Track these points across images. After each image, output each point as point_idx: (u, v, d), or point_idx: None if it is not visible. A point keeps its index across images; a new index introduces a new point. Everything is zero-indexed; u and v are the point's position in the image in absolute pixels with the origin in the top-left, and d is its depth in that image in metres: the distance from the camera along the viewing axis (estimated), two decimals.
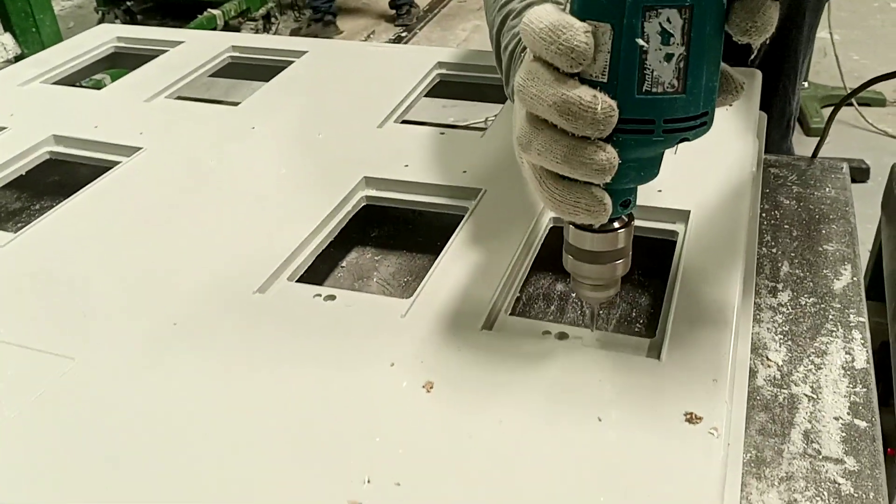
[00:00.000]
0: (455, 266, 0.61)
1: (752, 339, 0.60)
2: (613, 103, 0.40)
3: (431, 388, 0.50)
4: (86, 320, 0.57)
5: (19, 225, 0.82)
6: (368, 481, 0.44)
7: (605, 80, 0.41)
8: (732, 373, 0.49)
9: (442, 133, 0.81)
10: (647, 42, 0.39)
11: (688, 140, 0.43)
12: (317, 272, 0.67)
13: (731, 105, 0.44)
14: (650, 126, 0.41)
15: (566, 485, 0.43)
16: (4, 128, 0.85)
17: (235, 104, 0.89)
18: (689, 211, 0.65)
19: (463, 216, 0.68)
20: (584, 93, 0.40)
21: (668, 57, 0.40)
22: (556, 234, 0.68)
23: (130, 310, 0.58)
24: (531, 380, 0.50)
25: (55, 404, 0.51)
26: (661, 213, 0.66)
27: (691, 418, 0.46)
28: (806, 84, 2.87)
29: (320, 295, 0.59)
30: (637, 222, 0.65)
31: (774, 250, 0.71)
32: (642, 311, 0.66)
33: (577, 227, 0.47)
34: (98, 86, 1.00)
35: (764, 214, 0.76)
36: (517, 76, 0.43)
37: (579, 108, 0.40)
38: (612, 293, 0.50)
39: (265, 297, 0.59)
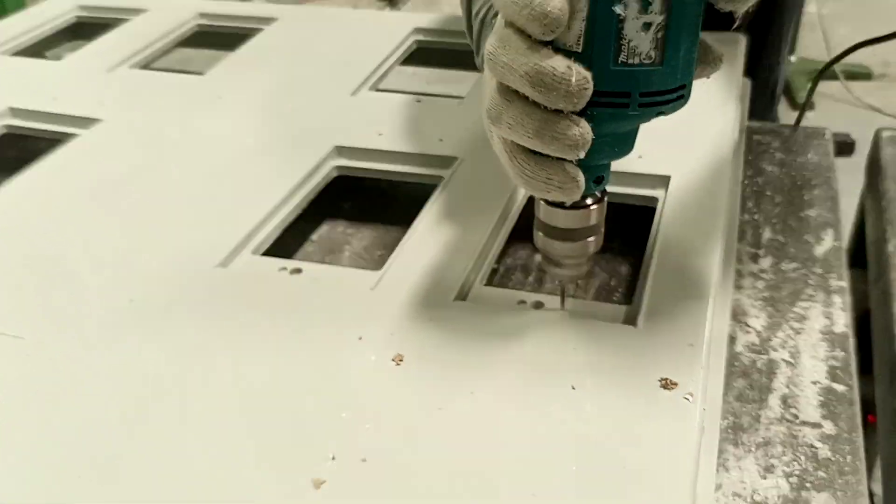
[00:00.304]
0: (429, 236, 0.59)
1: (732, 305, 0.59)
2: (588, 75, 0.38)
3: (401, 360, 0.48)
4: (38, 298, 0.55)
5: None
6: (333, 458, 0.42)
7: (579, 51, 0.39)
8: (710, 339, 0.48)
9: (418, 101, 0.79)
10: (625, 10, 0.37)
11: (664, 114, 0.41)
12: (285, 246, 0.65)
13: (708, 77, 0.43)
14: (626, 99, 0.40)
15: (539, 455, 0.42)
16: None
17: (201, 74, 0.86)
18: (670, 177, 0.63)
19: (438, 185, 0.66)
20: (558, 63, 0.38)
21: (647, 26, 0.38)
22: (533, 203, 0.66)
23: (85, 286, 0.56)
24: (505, 350, 0.49)
25: (3, 385, 0.48)
26: (641, 178, 0.64)
27: (666, 384, 0.45)
28: (793, 58, 2.86)
29: (286, 268, 0.58)
30: (616, 188, 0.64)
31: (756, 216, 0.70)
32: (621, 280, 0.65)
33: (549, 203, 0.46)
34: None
35: (746, 181, 0.74)
36: (487, 43, 0.40)
37: (552, 80, 0.38)
38: (583, 271, 0.49)
39: (227, 271, 0.57)
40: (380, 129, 0.74)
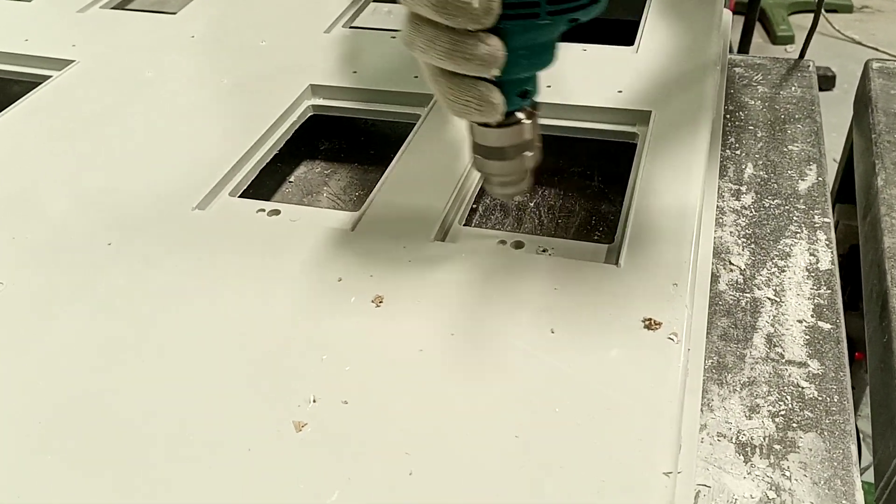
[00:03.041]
0: (406, 176, 0.58)
1: (714, 243, 0.59)
2: None
3: (381, 302, 0.47)
4: (15, 242, 0.54)
5: None
6: (314, 401, 0.42)
7: None
8: (693, 277, 0.47)
9: (393, 37, 0.77)
10: None
11: (579, 21, 0.40)
12: (263, 187, 0.64)
13: None
14: (535, 10, 0.38)
15: (521, 397, 0.41)
16: None
17: (174, 13, 0.84)
18: (651, 112, 0.62)
19: (414, 124, 0.65)
20: None
21: None
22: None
23: (62, 230, 0.55)
24: (485, 290, 0.48)
25: None
26: (621, 113, 0.63)
27: (650, 324, 0.44)
28: None
29: (264, 210, 0.56)
30: (594, 125, 0.63)
31: (738, 152, 0.69)
32: (602, 219, 0.64)
33: (480, 123, 0.44)
34: None
35: (728, 116, 0.73)
36: None
37: (456, 5, 0.37)
38: (523, 188, 0.48)
39: (205, 213, 0.56)
40: (354, 66, 0.72)
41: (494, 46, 0.39)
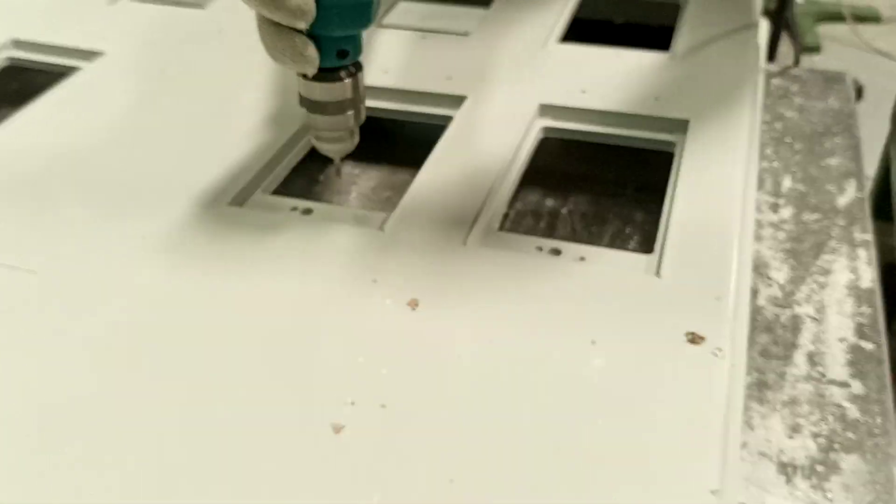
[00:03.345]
0: (438, 178, 0.57)
1: (753, 256, 0.57)
2: None
3: (416, 305, 0.47)
4: (48, 233, 0.53)
5: None
6: (352, 403, 0.41)
7: None
8: (736, 291, 0.46)
9: (423, 38, 0.77)
10: None
11: None
12: (293, 185, 0.63)
13: None
14: None
15: (561, 408, 0.40)
16: None
17: (202, 7, 0.83)
18: (689, 120, 0.61)
19: (446, 125, 0.64)
20: None
21: None
22: (547, 145, 0.64)
23: (95, 222, 0.54)
24: (522, 297, 0.47)
25: (16, 319, 0.47)
26: (659, 122, 0.62)
27: (694, 338, 0.43)
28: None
29: (297, 208, 0.56)
30: (630, 132, 0.62)
31: (775, 164, 0.68)
32: (636, 227, 0.63)
33: (305, 77, 0.48)
34: None
35: (764, 126, 0.72)
36: None
37: None
38: (349, 146, 0.51)
39: (241, 209, 0.55)
40: (385, 66, 0.71)
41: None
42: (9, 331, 0.46)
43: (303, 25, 0.44)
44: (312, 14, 0.43)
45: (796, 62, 0.82)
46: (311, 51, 0.45)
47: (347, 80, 0.48)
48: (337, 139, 0.51)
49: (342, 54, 0.46)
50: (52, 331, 0.46)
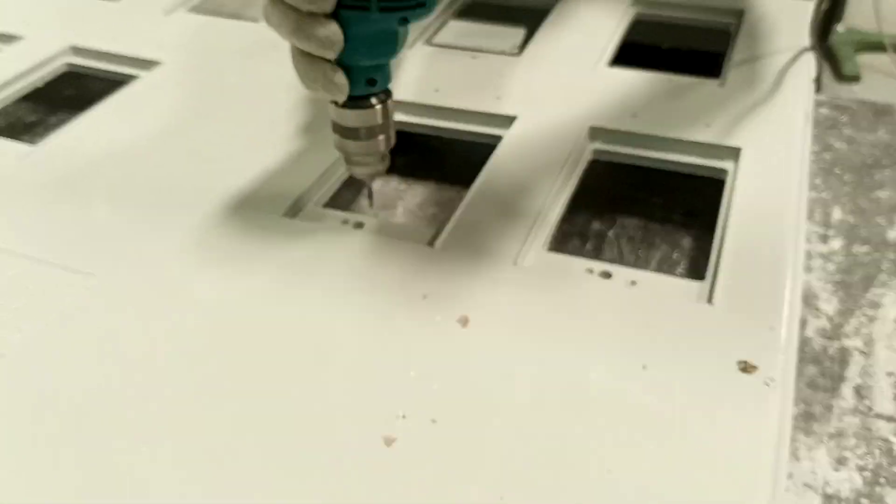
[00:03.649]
0: (489, 197, 0.58)
1: (802, 287, 0.57)
2: None
3: (467, 322, 0.47)
4: (106, 237, 0.55)
5: (36, 138, 0.78)
6: (404, 416, 0.41)
7: None
8: (788, 321, 0.46)
9: (474, 57, 0.77)
10: None
11: (408, 21, 0.45)
12: (341, 199, 0.64)
13: None
14: (367, 3, 0.44)
15: (612, 430, 0.41)
16: (20, 37, 0.81)
17: (256, 21, 0.85)
18: (741, 148, 0.61)
19: (495, 145, 0.64)
20: None
21: None
22: (596, 166, 0.64)
23: (151, 228, 0.55)
24: (573, 319, 0.47)
25: (76, 320, 0.48)
26: (710, 148, 0.62)
27: (746, 367, 0.43)
28: (841, 28, 2.79)
29: (348, 222, 0.56)
30: (680, 157, 0.62)
31: (825, 195, 0.67)
32: (684, 253, 0.63)
33: (337, 105, 0.49)
34: None
35: (813, 156, 0.72)
36: None
37: None
38: (380, 169, 0.53)
39: (293, 221, 0.56)
40: (436, 84, 0.72)
41: (331, 30, 0.44)
42: (68, 330, 0.47)
43: (332, 55, 0.45)
44: (340, 45, 0.45)
45: (818, 88, 0.81)
46: (341, 79, 0.47)
47: (378, 107, 0.49)
48: (368, 163, 0.52)
49: (371, 82, 0.48)
50: (108, 332, 0.47)
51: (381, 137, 0.51)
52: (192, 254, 0.53)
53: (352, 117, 0.50)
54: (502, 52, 0.81)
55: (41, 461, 0.40)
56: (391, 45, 0.47)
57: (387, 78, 0.49)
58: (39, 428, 0.42)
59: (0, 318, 0.49)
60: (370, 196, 0.56)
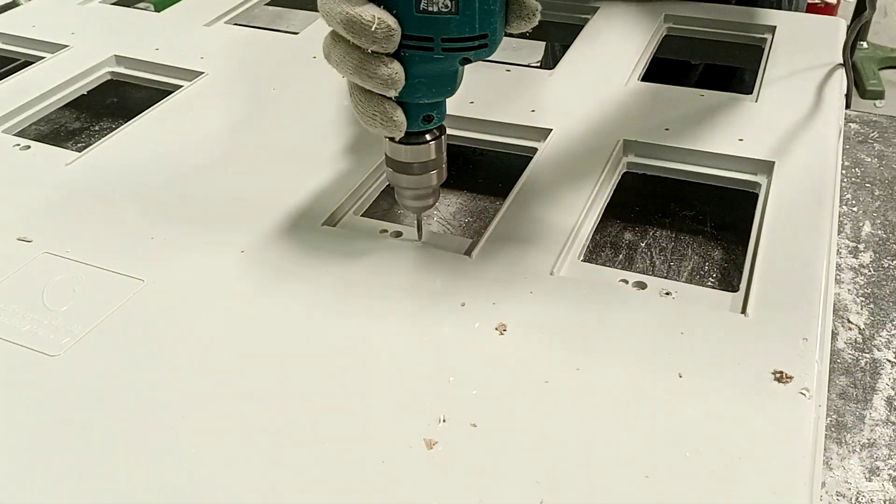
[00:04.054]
0: (524, 207, 0.59)
1: (833, 299, 0.58)
2: (392, 22, 0.43)
3: (505, 330, 0.48)
4: (153, 244, 0.56)
5: (80, 145, 0.81)
6: (444, 420, 0.43)
7: None
8: (822, 332, 0.47)
9: (508, 70, 0.78)
10: None
11: (470, 61, 0.46)
12: (378, 208, 0.65)
13: (529, 31, 0.46)
14: (430, 44, 0.44)
15: (649, 438, 0.42)
16: (66, 46, 0.83)
17: (296, 33, 0.86)
18: (774, 162, 0.62)
19: (531, 157, 0.65)
20: (366, 11, 0.43)
21: None
22: (629, 178, 0.65)
23: (197, 234, 0.57)
24: (609, 328, 0.48)
25: (126, 324, 0.50)
26: (743, 162, 0.63)
27: (781, 377, 0.44)
28: (864, 44, 2.79)
29: (387, 231, 0.58)
30: (715, 171, 0.63)
31: (856, 209, 0.68)
32: (715, 265, 0.64)
33: (392, 140, 0.50)
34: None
35: (844, 171, 0.73)
36: None
37: (361, 27, 0.43)
38: (431, 202, 0.54)
39: (333, 229, 0.57)
40: (471, 97, 0.73)
41: (394, 70, 0.44)
42: (116, 334, 0.49)
43: (393, 94, 0.46)
44: (402, 84, 0.45)
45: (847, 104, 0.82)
46: (400, 117, 0.47)
47: (432, 143, 0.50)
48: (420, 196, 0.53)
49: (428, 119, 0.49)
50: (156, 336, 0.49)
51: (434, 172, 0.52)
52: (233, 260, 0.54)
53: (406, 153, 0.50)
54: (536, 66, 0.82)
55: (90, 461, 0.42)
56: (451, 83, 0.48)
57: (442, 114, 0.50)
58: (88, 429, 0.43)
59: (49, 320, 0.50)
60: (419, 229, 0.57)
